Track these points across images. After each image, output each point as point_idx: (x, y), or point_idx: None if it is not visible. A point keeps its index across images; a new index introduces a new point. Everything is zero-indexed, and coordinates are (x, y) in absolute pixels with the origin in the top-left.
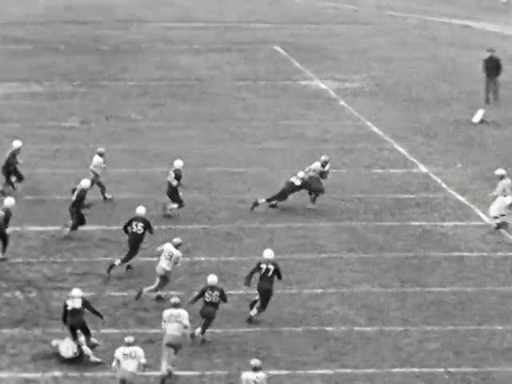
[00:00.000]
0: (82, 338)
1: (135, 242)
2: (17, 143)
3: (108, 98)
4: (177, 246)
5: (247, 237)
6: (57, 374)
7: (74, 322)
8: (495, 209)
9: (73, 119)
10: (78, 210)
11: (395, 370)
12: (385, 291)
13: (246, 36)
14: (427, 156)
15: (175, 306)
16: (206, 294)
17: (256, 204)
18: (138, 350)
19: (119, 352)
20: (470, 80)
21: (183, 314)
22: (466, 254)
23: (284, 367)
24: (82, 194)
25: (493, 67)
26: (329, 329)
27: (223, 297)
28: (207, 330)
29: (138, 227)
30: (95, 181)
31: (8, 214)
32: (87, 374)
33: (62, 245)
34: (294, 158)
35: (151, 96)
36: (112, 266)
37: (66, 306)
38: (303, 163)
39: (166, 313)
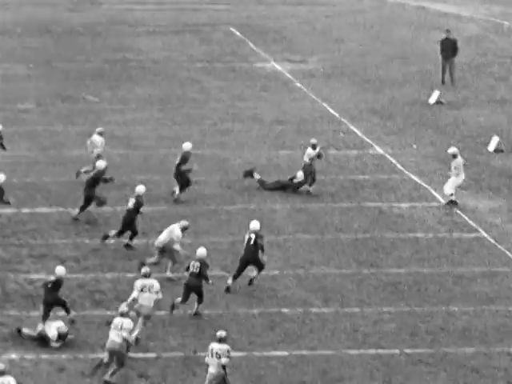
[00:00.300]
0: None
1: (126, 219)
2: None
3: (63, 80)
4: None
5: (204, 219)
6: (14, 356)
7: (51, 298)
8: (448, 188)
9: (28, 102)
10: (91, 192)
11: (351, 351)
12: (341, 273)
13: (202, 18)
14: (383, 137)
15: (146, 276)
16: (190, 266)
17: (250, 174)
18: (155, 284)
19: (139, 284)
20: (425, 61)
21: (155, 284)
22: (421, 235)
23: (240, 349)
24: (98, 176)
25: (449, 48)
26: (285, 310)
27: (202, 270)
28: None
29: (129, 203)
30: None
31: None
32: (44, 356)
33: (18, 227)
34: (249, 140)
35: (107, 78)
36: (106, 236)
37: (46, 284)
38: (259, 144)
39: (138, 282)
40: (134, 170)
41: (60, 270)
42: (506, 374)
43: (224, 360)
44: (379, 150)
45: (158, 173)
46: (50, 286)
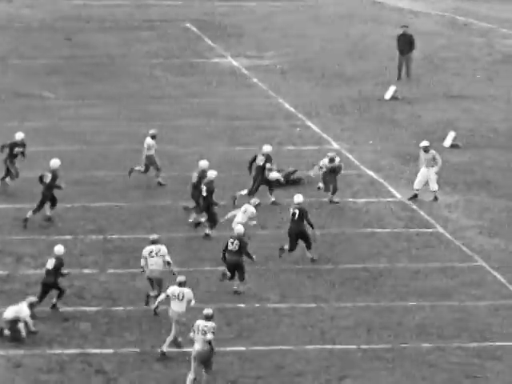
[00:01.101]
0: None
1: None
2: None
3: (19, 77)
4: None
5: (160, 214)
6: None
7: (45, 280)
8: (418, 182)
9: None
10: None
11: (308, 346)
12: (298, 268)
13: (158, 14)
14: (339, 133)
15: (154, 242)
16: (228, 244)
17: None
18: (162, 248)
19: (146, 250)
20: (381, 56)
21: (163, 249)
22: (378, 230)
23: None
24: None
25: (406, 44)
26: (242, 306)
27: (242, 246)
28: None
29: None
30: (153, 165)
31: (55, 175)
32: (0, 353)
33: None
34: (206, 135)
35: (63, 74)
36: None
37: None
38: (215, 140)
39: (146, 249)
40: (90, 166)
41: (59, 249)
42: (463, 369)
43: (209, 335)
44: (336, 146)
45: (113, 169)
46: (50, 268)
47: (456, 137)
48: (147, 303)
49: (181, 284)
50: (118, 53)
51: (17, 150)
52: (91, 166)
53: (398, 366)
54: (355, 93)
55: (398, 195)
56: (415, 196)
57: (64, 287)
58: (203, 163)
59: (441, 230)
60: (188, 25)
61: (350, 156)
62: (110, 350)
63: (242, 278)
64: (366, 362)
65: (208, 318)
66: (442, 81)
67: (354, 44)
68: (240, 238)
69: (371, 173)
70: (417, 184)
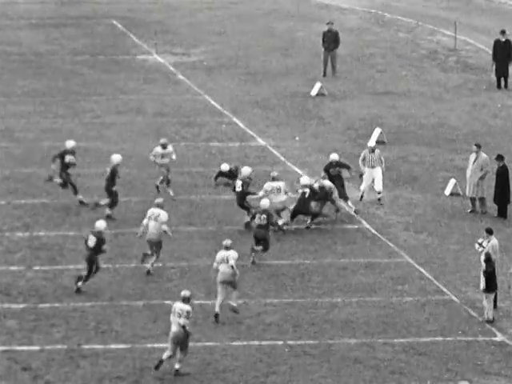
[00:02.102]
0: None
1: None
2: None
3: None
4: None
5: (86, 211)
6: None
7: (87, 256)
8: (365, 183)
9: None
10: None
11: (235, 343)
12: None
13: (84, 10)
14: (265, 129)
15: (157, 205)
16: (256, 218)
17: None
18: (162, 214)
19: (149, 211)
20: (307, 53)
21: (162, 215)
22: (304, 226)
23: (124, 341)
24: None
25: (331, 40)
26: (168, 302)
27: (270, 220)
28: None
29: None
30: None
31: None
32: None
33: None
34: (132, 132)
35: None
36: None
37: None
38: (142, 137)
39: (149, 210)
40: (16, 164)
41: (100, 224)
42: (389, 365)
43: (182, 320)
44: (261, 142)
45: (40, 166)
46: (90, 244)
47: (382, 133)
48: (143, 261)
49: (227, 248)
50: (45, 50)
51: (68, 158)
52: (18, 163)
53: (325, 362)
54: (281, 89)
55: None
56: (361, 197)
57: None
58: (116, 157)
59: (367, 225)
60: (114, 22)
61: (276, 152)
62: (37, 347)
63: (266, 249)
64: (293, 358)
65: (185, 300)
66: (368, 77)
67: (279, 40)
68: (267, 212)
69: (297, 169)
70: (363, 185)
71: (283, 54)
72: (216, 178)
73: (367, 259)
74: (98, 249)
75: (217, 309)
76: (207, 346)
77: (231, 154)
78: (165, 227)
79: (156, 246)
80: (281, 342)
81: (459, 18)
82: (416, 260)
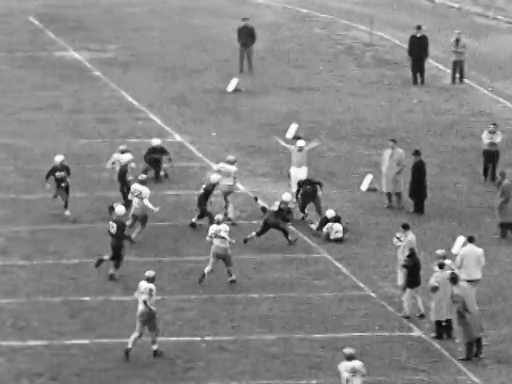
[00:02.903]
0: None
1: None
2: None
3: None
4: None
5: (2, 207)
6: None
7: (112, 243)
8: (293, 183)
9: None
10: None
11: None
12: (141, 260)
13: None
14: (182, 125)
15: (140, 182)
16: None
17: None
18: (144, 190)
19: (132, 188)
20: (223, 49)
21: (144, 192)
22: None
23: (41, 337)
24: (210, 189)
25: (247, 36)
26: (86, 299)
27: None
28: None
29: None
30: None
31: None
32: None
33: None
34: (49, 129)
35: None
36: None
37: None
38: (59, 133)
39: (132, 187)
40: None
41: (120, 209)
42: (307, 360)
43: (144, 296)
44: (178, 138)
45: None
46: (112, 231)
47: (298, 128)
48: (97, 265)
49: (219, 223)
50: None
51: (58, 174)
52: None
53: (243, 358)
54: (198, 85)
55: (241, 187)
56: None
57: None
58: (58, 158)
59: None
60: (31, 18)
61: (193, 148)
62: None
63: (287, 234)
64: (211, 353)
65: (149, 279)
66: (285, 73)
67: (195, 36)
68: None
69: (214, 165)
70: (292, 186)
71: (199, 49)
72: (146, 156)
73: (284, 254)
74: (120, 234)
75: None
76: (125, 342)
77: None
78: (147, 203)
79: (141, 220)
80: (198, 338)
81: (375, 13)
82: (333, 255)
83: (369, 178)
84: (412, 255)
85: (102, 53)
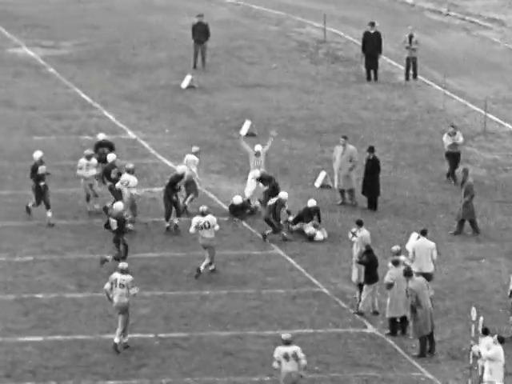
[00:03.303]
0: None
1: None
2: None
3: None
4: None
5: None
6: None
7: (115, 238)
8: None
9: None
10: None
11: (106, 335)
12: (95, 257)
13: None
14: (135, 122)
15: (128, 171)
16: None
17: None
18: (131, 180)
19: (123, 178)
20: (177, 45)
21: (132, 180)
22: (174, 218)
23: None
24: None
25: (201, 33)
26: (39, 296)
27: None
28: None
29: None
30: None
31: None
32: None
33: None
34: (3, 126)
35: None
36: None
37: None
38: (12, 130)
39: (122, 178)
40: None
41: (118, 205)
42: (260, 356)
43: (132, 290)
44: (132, 135)
45: None
46: (114, 227)
47: (252, 125)
48: (101, 264)
49: (203, 214)
50: None
51: (40, 168)
52: None
53: (196, 355)
54: (151, 82)
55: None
56: (248, 201)
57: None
58: (37, 154)
59: (236, 218)
60: None
61: (147, 145)
62: None
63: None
64: (164, 350)
65: (123, 271)
66: (238, 69)
67: (148, 33)
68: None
69: (167, 161)
70: (248, 192)
71: (153, 46)
72: (96, 149)
73: (238, 251)
74: (121, 229)
75: (202, 267)
76: (78, 339)
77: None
78: (134, 191)
79: (131, 208)
80: (152, 335)
81: (328, 9)
82: (286, 252)
83: (322, 175)
84: (368, 252)
85: (55, 50)
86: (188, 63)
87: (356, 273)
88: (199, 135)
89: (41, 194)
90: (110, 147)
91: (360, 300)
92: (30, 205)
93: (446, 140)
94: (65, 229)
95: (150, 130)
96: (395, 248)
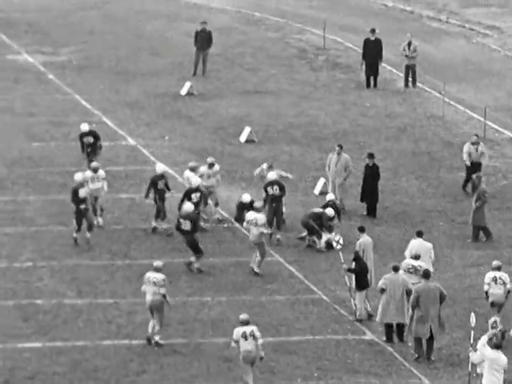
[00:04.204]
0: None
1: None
2: None
3: None
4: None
5: None
6: None
7: (186, 241)
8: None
9: None
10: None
11: (105, 342)
12: (94, 264)
13: None
14: (135, 128)
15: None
16: (269, 189)
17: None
18: (101, 173)
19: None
20: (177, 52)
21: (101, 174)
22: (172, 225)
23: None
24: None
25: (204, 40)
26: (39, 302)
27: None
28: None
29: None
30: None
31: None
32: None
33: None
34: (2, 132)
35: None
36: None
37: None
38: (11, 136)
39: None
40: None
41: (189, 207)
42: (259, 363)
43: (162, 290)
44: (132, 142)
45: None
46: (186, 228)
47: (251, 132)
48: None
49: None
50: None
51: (81, 191)
52: None
53: (195, 361)
54: (151, 89)
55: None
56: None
57: None
58: (77, 176)
59: (236, 224)
60: None
61: (146, 152)
62: None
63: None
64: (164, 356)
65: (157, 269)
66: (238, 76)
67: (149, 40)
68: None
69: (167, 168)
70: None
71: (153, 53)
72: (80, 139)
73: (237, 258)
74: (195, 230)
75: (252, 264)
76: (77, 345)
77: (101, 154)
78: (105, 186)
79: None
80: (151, 341)
81: (328, 16)
82: (285, 259)
83: (321, 182)
84: (357, 259)
85: (55, 56)
86: (188, 70)
87: (348, 279)
88: (199, 142)
89: (81, 217)
90: (94, 136)
91: (356, 307)
92: (74, 235)
93: (468, 149)
94: (64, 235)
95: (149, 136)
96: (495, 263)
